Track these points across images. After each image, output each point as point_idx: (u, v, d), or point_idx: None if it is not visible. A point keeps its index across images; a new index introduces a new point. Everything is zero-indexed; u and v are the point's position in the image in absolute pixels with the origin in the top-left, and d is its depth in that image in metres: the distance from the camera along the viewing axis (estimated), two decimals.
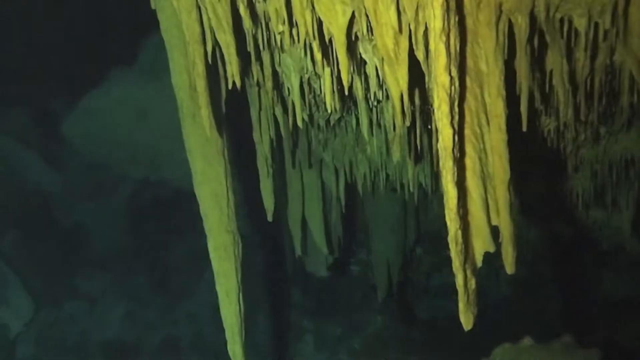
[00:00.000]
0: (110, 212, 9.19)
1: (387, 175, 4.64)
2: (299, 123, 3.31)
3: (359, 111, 3.33)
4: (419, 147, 3.42)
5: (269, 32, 2.84)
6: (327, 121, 3.93)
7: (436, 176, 4.49)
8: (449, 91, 1.83)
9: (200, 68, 2.84)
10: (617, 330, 6.39)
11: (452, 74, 1.82)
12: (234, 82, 3.19)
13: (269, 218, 4.01)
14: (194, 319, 8.81)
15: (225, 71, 3.21)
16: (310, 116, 3.68)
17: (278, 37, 2.78)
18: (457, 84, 1.85)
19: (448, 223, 2.02)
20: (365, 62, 2.74)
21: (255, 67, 3.09)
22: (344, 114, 3.88)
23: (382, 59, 2.21)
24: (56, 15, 8.46)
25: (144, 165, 7.48)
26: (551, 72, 2.37)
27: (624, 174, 3.66)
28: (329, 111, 3.34)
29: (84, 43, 8.26)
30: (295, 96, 3.25)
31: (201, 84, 2.87)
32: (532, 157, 3.36)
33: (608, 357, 3.28)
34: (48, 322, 8.46)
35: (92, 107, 7.25)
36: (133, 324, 8.76)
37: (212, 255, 3.44)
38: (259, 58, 3.12)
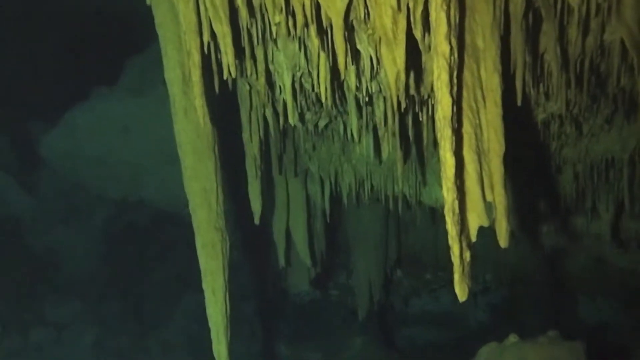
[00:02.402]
0: (84, 236, 9.02)
1: (372, 186, 4.69)
2: (291, 121, 3.35)
3: (349, 109, 3.39)
4: (410, 138, 3.47)
5: (265, 25, 2.90)
6: (316, 126, 3.98)
7: (422, 184, 4.56)
8: (448, 60, 1.90)
9: (195, 58, 2.88)
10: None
11: (452, 44, 1.89)
12: (225, 79, 3.26)
13: (256, 221, 4.00)
14: (168, 347, 8.59)
15: (218, 67, 3.26)
16: (300, 118, 3.72)
17: (274, 29, 2.84)
18: (456, 54, 1.93)
19: (445, 193, 2.06)
20: (359, 55, 2.81)
21: (248, 62, 3.13)
22: (332, 119, 3.94)
23: (380, 39, 2.28)
24: (37, 37, 8.47)
25: (123, 184, 7.40)
26: (543, 56, 2.48)
27: (604, 175, 3.78)
28: (322, 103, 3.38)
29: (66, 64, 8.26)
30: (288, 94, 3.30)
31: (196, 74, 2.91)
32: (517, 158, 3.44)
33: (592, 349, 3.31)
34: (13, 350, 8.15)
35: (72, 125, 7.18)
36: (103, 353, 8.50)
37: (199, 252, 3.41)
38: (252, 56, 3.17)
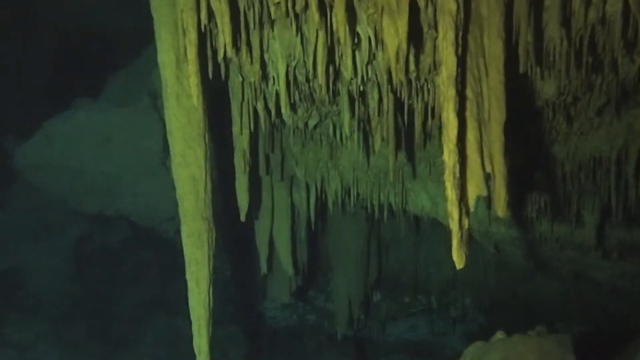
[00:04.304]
0: (53, 254, 8.79)
1: (358, 194, 4.68)
2: (284, 111, 3.34)
3: (342, 103, 3.40)
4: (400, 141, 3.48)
5: (262, 7, 2.91)
6: (305, 125, 3.98)
7: (406, 193, 4.56)
8: (455, 19, 1.93)
9: (192, 35, 2.87)
10: None
11: (459, 2, 1.92)
12: (219, 64, 3.26)
13: (242, 218, 3.92)
14: None
15: (213, 54, 3.26)
16: (291, 112, 3.71)
17: (272, 10, 2.85)
18: (462, 14, 1.95)
19: (446, 157, 2.05)
20: (357, 39, 2.83)
21: (244, 48, 3.14)
22: (322, 118, 3.95)
23: (382, 11, 2.31)
24: (20, 50, 8.42)
25: (100, 197, 7.22)
26: (543, 33, 2.52)
27: (592, 176, 3.83)
28: (314, 98, 3.39)
29: (48, 77, 8.20)
30: (282, 83, 3.30)
31: (192, 52, 2.89)
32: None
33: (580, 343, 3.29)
34: None
35: (51, 135, 7.02)
36: None
37: (184, 241, 3.33)
38: (248, 42, 3.18)
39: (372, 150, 3.73)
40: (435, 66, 2.70)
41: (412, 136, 3.61)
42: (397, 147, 3.45)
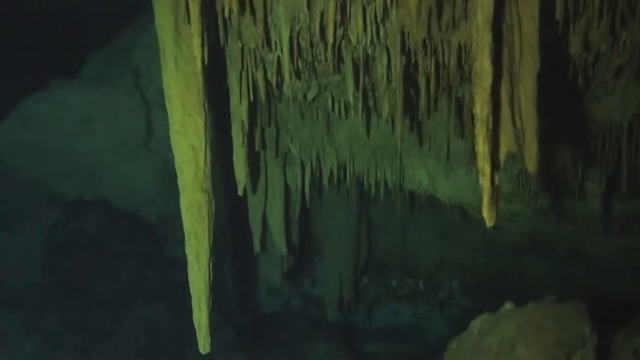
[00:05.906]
0: (27, 243, 8.49)
1: (354, 171, 4.58)
2: (286, 77, 3.21)
3: (346, 70, 3.28)
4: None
5: None
6: (304, 97, 3.85)
7: (402, 171, 4.48)
8: None
9: None
10: None
11: None
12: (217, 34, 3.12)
13: (240, 192, 3.78)
14: None
15: (213, 17, 3.12)
16: (293, 78, 3.56)
17: None
18: None
19: (478, 108, 1.96)
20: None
21: (247, 8, 3.00)
22: (322, 90, 3.83)
23: None
24: None
25: (79, 179, 6.97)
26: None
27: (601, 143, 3.78)
28: (315, 67, 3.27)
29: (24, 54, 7.86)
30: (285, 48, 3.17)
31: (195, 10, 2.74)
32: None
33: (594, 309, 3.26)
34: None
35: (27, 115, 6.74)
36: None
37: (184, 214, 3.18)
38: (250, 5, 3.04)
39: (378, 117, 3.63)
40: (454, 24, 2.60)
41: (415, 109, 3.51)
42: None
